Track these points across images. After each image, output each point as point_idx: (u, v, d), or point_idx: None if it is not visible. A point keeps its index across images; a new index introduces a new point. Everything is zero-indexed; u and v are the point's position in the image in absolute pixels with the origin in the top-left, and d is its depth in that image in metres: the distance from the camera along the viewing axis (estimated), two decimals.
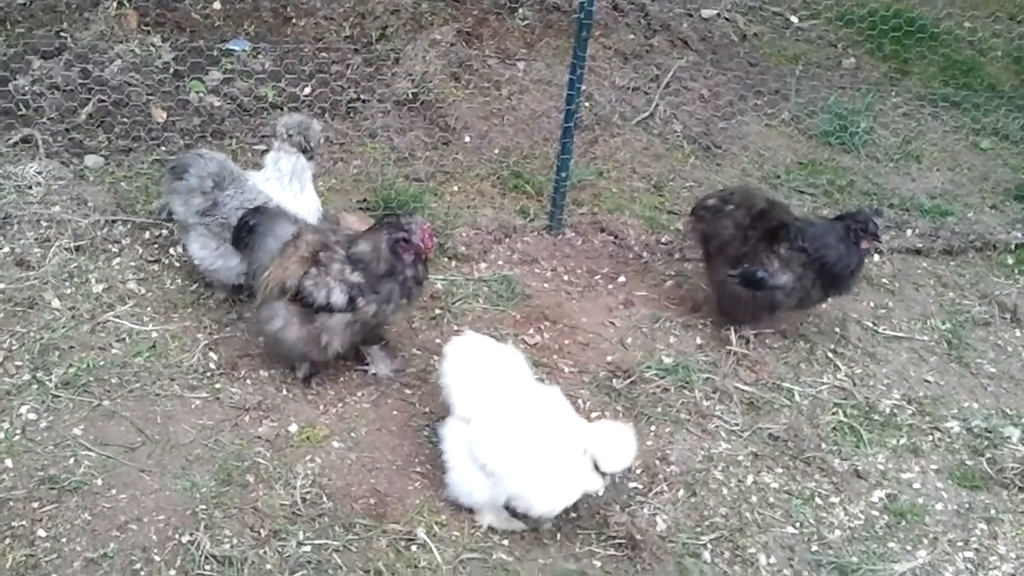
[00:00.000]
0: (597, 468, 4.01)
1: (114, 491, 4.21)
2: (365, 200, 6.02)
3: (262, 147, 6.24)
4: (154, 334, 5.00)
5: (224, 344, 5.00)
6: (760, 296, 5.21)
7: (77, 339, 4.91)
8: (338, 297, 4.56)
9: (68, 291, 5.20)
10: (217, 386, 4.76)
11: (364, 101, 6.82)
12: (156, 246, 5.58)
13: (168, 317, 5.12)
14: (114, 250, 5.51)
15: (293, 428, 4.59)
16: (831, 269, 5.14)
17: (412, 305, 4.88)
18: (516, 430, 4.09)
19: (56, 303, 5.10)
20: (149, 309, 5.16)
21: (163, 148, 6.22)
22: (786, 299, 5.22)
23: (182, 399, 4.68)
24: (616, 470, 4.03)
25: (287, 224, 4.78)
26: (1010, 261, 6.40)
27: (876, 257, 6.25)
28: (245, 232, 4.78)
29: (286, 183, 5.20)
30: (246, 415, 4.63)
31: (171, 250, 5.54)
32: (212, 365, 4.87)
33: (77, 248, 5.46)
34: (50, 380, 4.67)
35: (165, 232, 5.64)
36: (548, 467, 4.03)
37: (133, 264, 5.43)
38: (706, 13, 8.37)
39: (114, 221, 5.66)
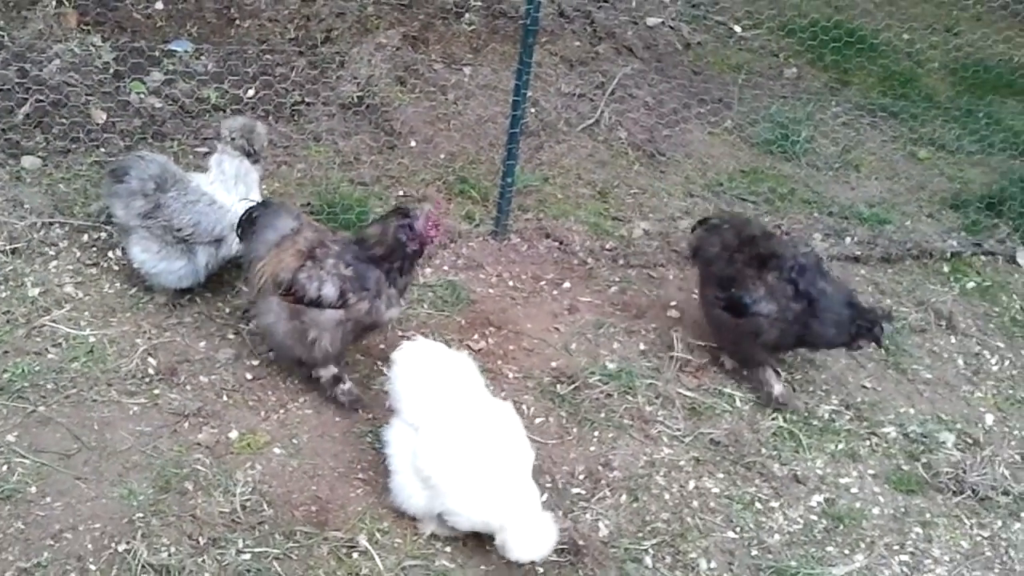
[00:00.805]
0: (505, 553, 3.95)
1: (48, 499, 4.12)
2: (309, 204, 5.96)
3: (204, 149, 6.17)
4: (91, 339, 4.91)
5: (163, 349, 4.92)
6: (742, 323, 5.07)
7: (12, 344, 4.81)
8: (329, 290, 4.53)
9: (3, 295, 5.08)
10: (156, 392, 4.69)
11: (308, 104, 6.76)
12: (94, 249, 5.48)
13: (106, 321, 5.03)
14: (51, 253, 5.40)
15: (233, 435, 4.54)
16: (818, 315, 4.95)
17: (403, 301, 4.80)
18: (461, 444, 4.05)
19: None
20: (87, 313, 5.06)
21: (103, 150, 6.10)
22: (770, 329, 5.02)
23: (120, 405, 4.60)
24: (524, 560, 3.94)
25: (288, 219, 4.76)
26: (946, 269, 6.53)
27: None
28: (247, 224, 4.77)
29: (231, 186, 5.13)
30: (185, 421, 4.57)
31: (110, 253, 5.44)
32: (151, 370, 4.80)
33: (13, 251, 5.33)
34: None
35: (104, 235, 5.54)
36: (486, 486, 3.98)
37: (70, 267, 5.33)
38: (651, 21, 8.43)
39: (51, 223, 5.55)
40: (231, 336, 5.07)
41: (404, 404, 4.22)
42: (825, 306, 4.96)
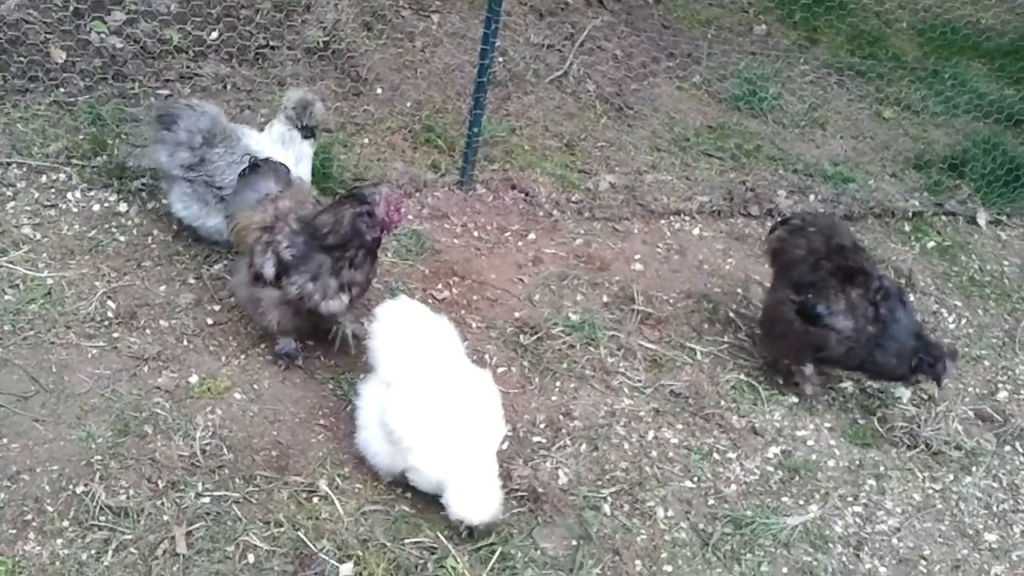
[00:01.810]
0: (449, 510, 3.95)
1: (5, 440, 4.08)
2: None
3: (166, 92, 6.08)
4: (49, 281, 4.84)
5: (123, 292, 4.87)
6: (812, 332, 4.87)
7: None
8: (268, 270, 4.46)
9: None
10: (115, 335, 4.65)
11: (273, 48, 6.65)
12: (53, 191, 5.39)
13: (64, 264, 4.96)
14: (8, 193, 5.31)
15: (193, 379, 4.51)
16: (883, 343, 4.80)
17: (356, 298, 4.58)
18: (430, 406, 4.01)
19: None
20: (44, 255, 4.99)
21: (62, 90, 5.98)
22: (837, 345, 4.83)
23: (78, 348, 4.55)
24: (467, 519, 3.92)
25: (270, 182, 4.66)
26: (907, 228, 6.60)
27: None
28: (239, 180, 4.73)
29: (279, 151, 5.11)
30: (145, 365, 4.53)
31: (68, 195, 5.36)
32: (110, 314, 4.75)
33: None
34: None
35: (63, 176, 5.46)
36: (448, 447, 3.95)
37: (28, 208, 5.24)
38: None
39: (8, 164, 5.45)
40: (192, 281, 5.02)
41: (380, 361, 4.17)
42: (894, 334, 4.79)
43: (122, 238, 5.20)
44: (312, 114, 5.14)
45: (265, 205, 4.59)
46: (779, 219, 5.26)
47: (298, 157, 5.17)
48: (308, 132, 5.18)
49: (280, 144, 5.13)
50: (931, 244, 6.48)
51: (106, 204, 5.41)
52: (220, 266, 5.10)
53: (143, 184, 5.54)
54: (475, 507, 3.90)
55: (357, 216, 4.38)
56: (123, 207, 5.40)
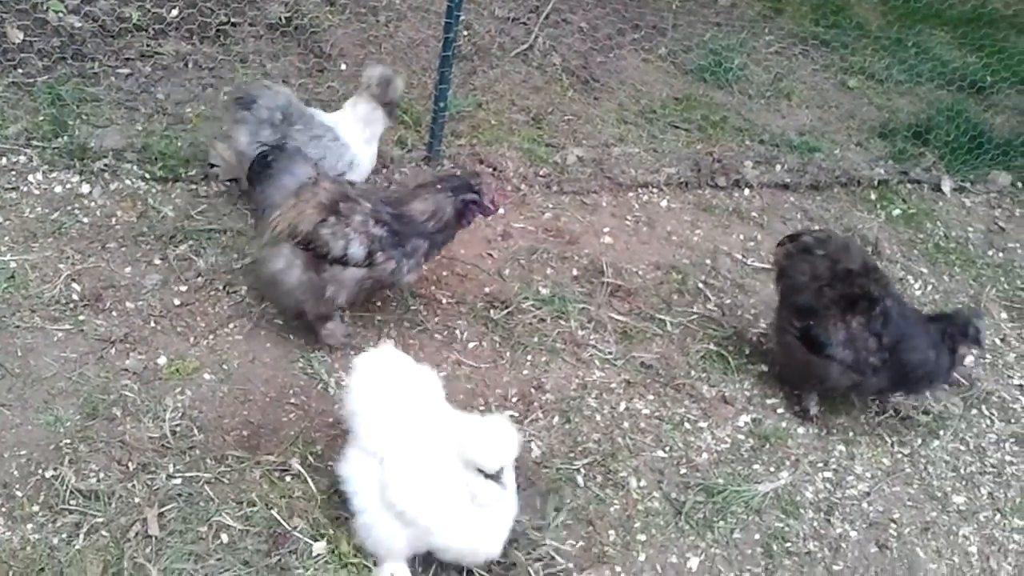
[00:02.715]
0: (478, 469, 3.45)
1: None
2: None
3: (126, 71, 6.00)
4: (12, 264, 4.77)
5: (87, 275, 4.81)
6: (814, 362, 4.68)
7: None
8: (357, 250, 4.39)
9: None
10: (81, 318, 4.59)
11: (235, 24, 6.58)
12: (13, 173, 5.31)
13: (27, 247, 4.89)
14: None
15: (162, 361, 4.47)
16: (908, 371, 4.62)
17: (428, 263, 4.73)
18: (436, 472, 3.53)
19: None
20: (7, 238, 4.91)
21: (20, 70, 5.89)
22: (840, 377, 4.65)
23: (43, 331, 4.50)
24: (495, 467, 3.46)
25: (306, 166, 4.57)
26: (873, 196, 6.64)
27: (746, 191, 6.42)
28: (260, 167, 4.54)
29: (358, 129, 5.16)
30: (112, 348, 4.49)
31: (30, 177, 5.29)
32: (75, 296, 4.69)
33: None
34: None
35: (23, 159, 5.38)
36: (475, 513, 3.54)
37: None
38: None
39: None
40: (157, 262, 4.97)
41: (363, 428, 3.64)
42: (909, 353, 4.59)
43: (85, 220, 5.14)
44: (393, 89, 5.19)
45: (312, 189, 4.45)
46: (788, 234, 5.00)
47: (373, 135, 5.23)
48: (389, 108, 5.21)
49: (362, 123, 5.16)
50: (896, 212, 6.53)
51: (68, 186, 5.34)
52: (185, 246, 5.06)
53: (105, 165, 5.47)
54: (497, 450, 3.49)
55: (465, 204, 4.48)
56: (86, 188, 5.33)
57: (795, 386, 4.91)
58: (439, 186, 4.55)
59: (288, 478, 4.04)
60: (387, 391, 3.64)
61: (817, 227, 6.14)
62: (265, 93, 5.02)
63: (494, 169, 6.03)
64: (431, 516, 3.51)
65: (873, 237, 6.15)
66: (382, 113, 5.20)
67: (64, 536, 3.69)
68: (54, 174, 5.37)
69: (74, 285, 4.75)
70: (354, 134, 5.16)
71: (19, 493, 3.82)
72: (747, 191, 6.40)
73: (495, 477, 3.44)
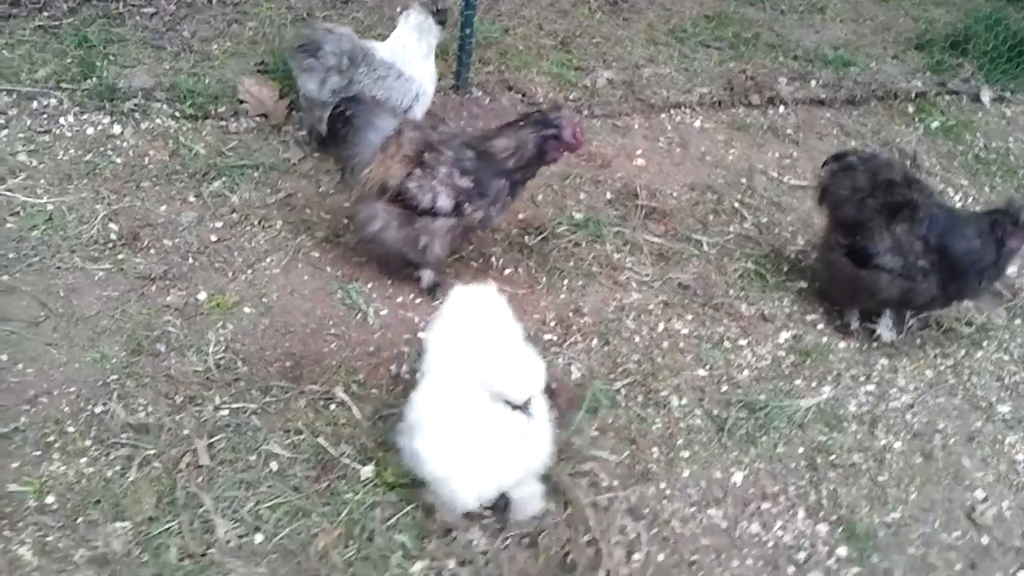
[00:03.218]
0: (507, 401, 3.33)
1: (20, 366, 4.09)
2: (263, 63, 5.82)
3: (151, 10, 5.97)
4: (49, 206, 4.81)
5: (124, 214, 4.84)
6: (863, 275, 4.63)
7: None
8: (444, 202, 4.39)
9: None
10: (120, 257, 4.63)
11: None
12: (45, 116, 5.33)
13: (63, 189, 4.92)
14: (0, 122, 5.25)
15: (202, 296, 4.51)
16: (955, 263, 4.49)
17: (512, 203, 4.64)
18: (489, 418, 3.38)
19: None
20: (42, 181, 4.95)
21: (46, 13, 5.88)
22: (890, 286, 4.58)
23: (84, 271, 4.54)
24: (522, 397, 3.32)
25: (388, 117, 4.55)
26: (910, 109, 6.53)
27: (781, 109, 6.32)
28: (341, 123, 4.52)
29: (414, 43, 5.12)
30: (152, 285, 4.52)
31: (61, 120, 5.31)
32: (113, 236, 4.72)
33: None
34: None
35: (53, 101, 5.39)
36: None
37: (22, 136, 5.19)
38: None
39: None
40: (192, 199, 4.99)
41: (436, 358, 3.61)
42: (959, 252, 4.48)
43: (118, 160, 5.16)
44: None
45: (396, 142, 4.43)
46: (831, 155, 4.98)
47: (429, 48, 5.20)
48: (441, 18, 5.18)
49: (417, 33, 5.12)
50: (935, 124, 6.41)
51: (99, 127, 5.35)
52: (219, 183, 5.07)
53: (135, 105, 5.48)
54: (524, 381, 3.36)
55: (544, 140, 4.39)
56: (117, 129, 5.34)
57: (845, 305, 4.84)
58: (521, 123, 4.50)
59: (332, 406, 4.08)
60: (469, 325, 3.59)
61: (854, 144, 6.06)
62: (329, 38, 4.97)
63: (524, 95, 5.98)
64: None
65: (912, 150, 6.05)
66: (434, 22, 5.14)
67: (117, 468, 3.75)
68: (85, 116, 5.39)
69: (111, 225, 4.78)
70: (412, 55, 5.10)
71: (71, 429, 3.88)
72: (782, 108, 6.31)
73: (523, 408, 3.43)
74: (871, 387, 4.56)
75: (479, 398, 3.37)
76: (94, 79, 5.54)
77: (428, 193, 4.39)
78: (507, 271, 4.86)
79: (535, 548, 3.68)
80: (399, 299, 4.65)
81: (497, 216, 4.57)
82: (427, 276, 4.66)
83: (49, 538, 3.50)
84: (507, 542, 3.66)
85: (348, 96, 4.70)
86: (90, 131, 5.30)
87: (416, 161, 4.41)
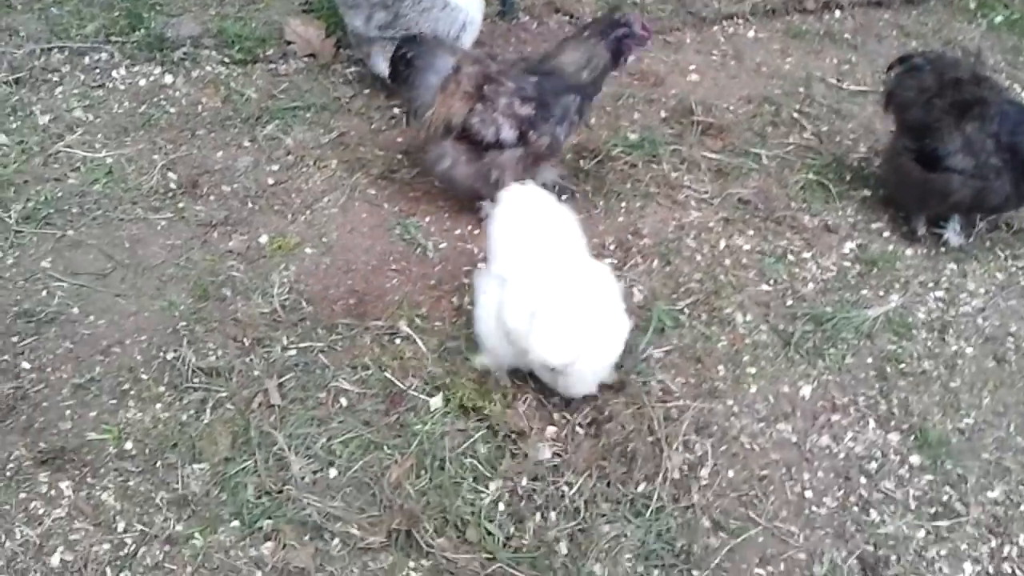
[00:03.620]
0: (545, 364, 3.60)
1: (92, 317, 4.20)
2: (308, 2, 5.79)
3: None
4: (108, 160, 4.88)
5: (181, 163, 4.89)
6: (933, 179, 4.50)
7: (30, 173, 4.80)
8: (508, 133, 4.40)
9: (13, 126, 5.05)
10: (180, 205, 4.70)
11: None
12: (97, 71, 5.39)
13: (120, 142, 4.99)
14: (54, 79, 5.33)
15: (263, 239, 4.56)
16: None
17: (584, 123, 4.70)
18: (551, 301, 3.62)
19: (3, 139, 4.96)
20: (100, 135, 5.02)
21: None
22: (962, 187, 4.42)
23: (147, 221, 4.62)
24: (560, 363, 3.57)
25: (446, 56, 4.55)
26: (972, 5, 6.28)
27: (837, 13, 6.13)
28: (403, 66, 4.56)
29: None
30: (214, 231, 4.59)
31: (114, 73, 5.37)
32: (172, 185, 4.79)
33: (16, 81, 5.28)
34: (9, 217, 4.58)
35: (104, 56, 5.45)
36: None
37: (76, 92, 5.26)
38: None
39: (50, 49, 5.45)
40: (247, 144, 5.03)
41: (498, 254, 3.85)
42: None
43: (172, 110, 5.20)
44: None
45: (455, 79, 4.44)
46: (896, 58, 4.85)
47: None
48: None
49: None
50: (999, 19, 6.16)
51: (151, 78, 5.40)
52: (272, 126, 5.09)
53: (184, 54, 5.52)
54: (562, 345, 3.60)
55: (618, 40, 4.37)
56: (168, 79, 5.39)
57: (913, 211, 4.72)
58: (585, 34, 4.44)
59: (398, 341, 4.12)
60: (523, 222, 3.85)
61: (915, 45, 5.87)
62: None
63: (571, 17, 5.88)
64: (531, 339, 3.58)
65: (976, 47, 5.83)
66: None
67: (192, 412, 3.85)
68: (136, 68, 5.44)
69: (170, 174, 4.84)
70: None
71: (144, 376, 3.98)
72: (838, 12, 6.12)
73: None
74: (940, 293, 4.47)
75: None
76: (142, 30, 5.57)
77: (491, 126, 4.38)
78: (563, 197, 4.82)
79: (599, 437, 3.77)
80: (457, 232, 4.66)
81: (565, 139, 4.55)
82: (488, 208, 4.63)
83: (130, 482, 3.63)
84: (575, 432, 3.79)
85: (408, 36, 4.70)
86: (142, 83, 5.35)
87: (477, 96, 4.40)
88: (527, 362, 3.74)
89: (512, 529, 3.53)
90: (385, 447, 3.73)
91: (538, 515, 3.57)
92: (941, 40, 5.95)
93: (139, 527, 3.51)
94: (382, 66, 5.09)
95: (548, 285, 3.64)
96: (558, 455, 3.72)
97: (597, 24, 4.45)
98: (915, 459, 3.81)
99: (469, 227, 4.67)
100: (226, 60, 5.51)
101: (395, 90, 5.22)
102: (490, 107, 4.39)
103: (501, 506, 3.59)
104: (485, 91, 4.40)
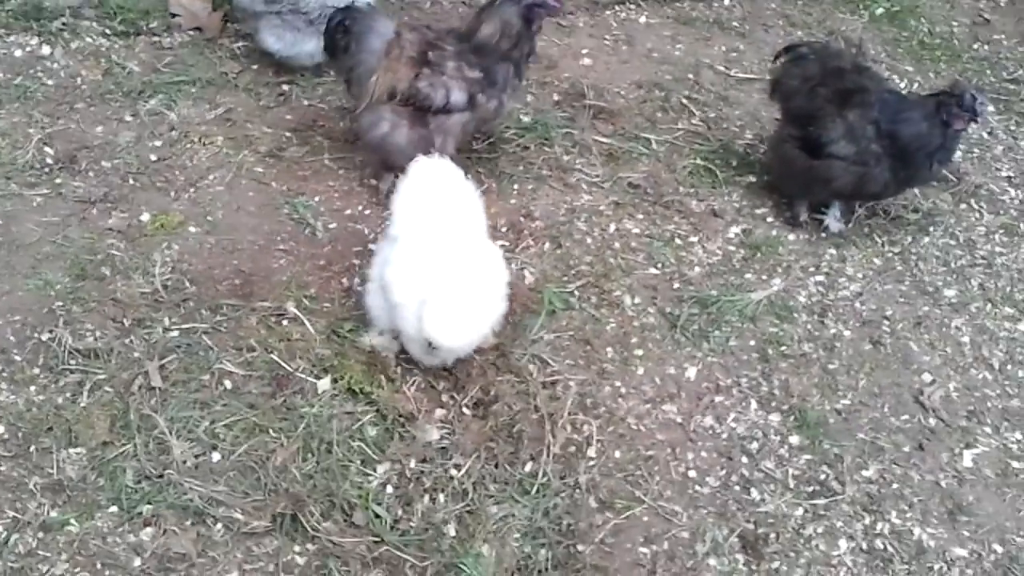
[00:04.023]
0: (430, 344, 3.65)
1: None
2: None
3: None
4: None
5: (59, 137, 4.72)
6: (816, 165, 4.60)
7: None
8: (458, 96, 4.36)
9: None
10: (58, 181, 4.53)
11: None
12: None
13: None
14: None
15: (145, 217, 4.43)
16: (904, 147, 4.46)
17: (522, 86, 4.69)
18: (431, 262, 3.70)
19: None
20: None
21: None
22: (844, 174, 4.54)
23: (21, 197, 4.44)
24: (452, 345, 3.69)
25: (385, 21, 4.48)
26: None
27: (726, 1, 6.24)
28: (340, 34, 4.43)
29: None
30: (93, 208, 4.44)
31: None
32: (49, 160, 4.61)
33: None
34: None
35: None
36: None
37: None
38: None
39: None
40: (128, 118, 4.87)
41: (399, 219, 3.88)
42: (908, 135, 4.46)
43: (50, 82, 5.01)
44: None
45: (398, 44, 4.38)
46: (783, 47, 4.98)
47: None
48: None
49: None
50: (880, 10, 6.36)
51: (28, 48, 5.20)
52: (155, 101, 4.95)
53: (63, 24, 5.33)
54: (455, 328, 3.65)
55: (528, 9, 4.36)
56: (46, 50, 5.19)
57: (798, 197, 4.83)
58: (496, 1, 4.43)
59: (285, 322, 4.05)
60: (429, 194, 3.86)
61: (800, 34, 6.02)
62: None
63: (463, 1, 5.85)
64: (404, 299, 3.65)
65: (857, 38, 6.01)
66: None
67: (68, 395, 3.72)
68: (12, 37, 5.23)
69: (47, 149, 4.66)
70: None
71: (18, 357, 3.83)
72: (727, 1, 6.23)
73: None
74: (820, 277, 4.60)
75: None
76: None
77: (440, 90, 4.36)
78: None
79: (487, 419, 3.79)
80: (348, 212, 4.60)
81: (508, 103, 4.57)
82: (387, 181, 4.57)
83: (2, 467, 3.50)
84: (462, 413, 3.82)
85: (342, 6, 4.63)
86: (18, 53, 5.15)
87: (422, 61, 4.36)
88: (404, 330, 3.77)
89: (400, 512, 3.52)
90: (271, 430, 3.67)
91: (426, 497, 3.57)
92: (825, 30, 6.11)
93: (11, 513, 3.38)
94: (270, 41, 5.01)
95: (443, 264, 3.66)
96: (446, 437, 3.73)
97: None
98: (794, 439, 3.93)
99: (360, 207, 4.62)
100: (107, 32, 5.32)
101: (283, 65, 5.17)
102: (438, 71, 4.36)
103: (389, 489, 3.58)
104: (430, 56, 4.37)
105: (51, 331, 3.90)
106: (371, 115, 4.43)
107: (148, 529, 3.38)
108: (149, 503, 3.43)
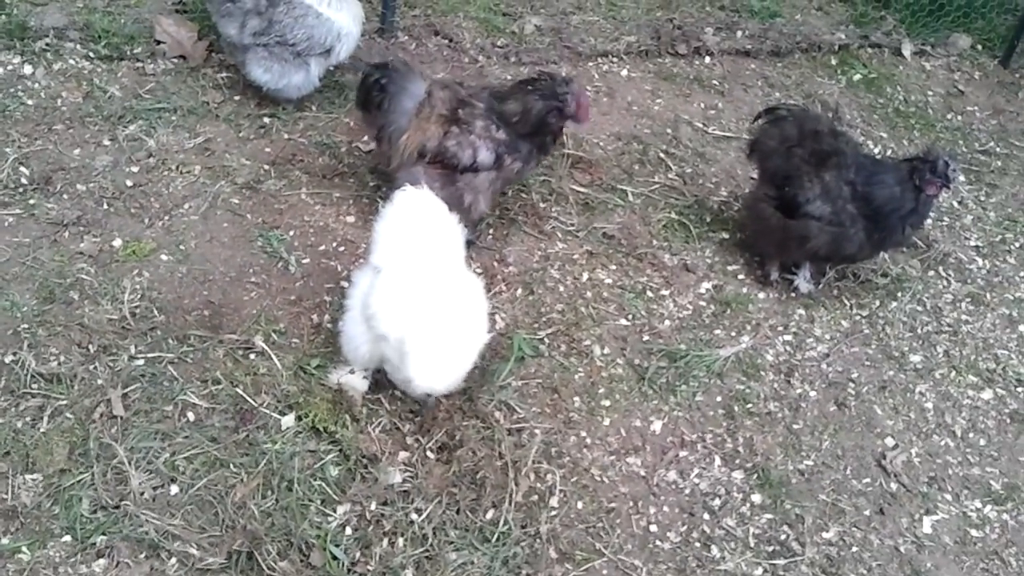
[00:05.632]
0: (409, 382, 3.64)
1: None
2: (181, 2, 5.64)
3: None
4: None
5: (35, 158, 4.69)
6: (792, 225, 4.66)
7: None
8: (485, 156, 4.38)
9: None
10: (31, 202, 4.49)
11: None
12: None
13: None
14: None
15: (117, 243, 4.40)
16: (877, 209, 4.53)
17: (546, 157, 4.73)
18: (416, 296, 3.67)
19: None
20: None
21: None
22: (819, 234, 4.60)
23: None
24: (429, 388, 3.67)
25: (418, 80, 4.52)
26: (833, 62, 6.58)
27: (707, 59, 6.33)
28: (376, 91, 4.48)
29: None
30: (65, 231, 4.40)
31: None
32: (24, 180, 4.58)
33: None
34: None
35: None
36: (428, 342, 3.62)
37: None
38: None
39: None
40: (107, 143, 4.85)
41: (379, 247, 3.84)
42: (881, 199, 4.53)
43: (30, 102, 4.99)
44: None
45: (428, 103, 4.43)
46: (763, 109, 5.11)
47: None
48: None
49: None
50: (857, 77, 6.48)
51: (9, 67, 5.17)
52: (135, 126, 4.93)
53: (47, 44, 5.30)
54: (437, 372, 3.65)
55: (548, 111, 4.38)
56: (28, 69, 5.16)
57: (773, 256, 4.88)
58: (530, 87, 4.46)
59: (252, 356, 4.03)
60: (409, 221, 3.84)
61: (778, 95, 6.11)
62: None
63: (450, 41, 5.90)
64: (393, 329, 3.61)
65: (834, 103, 6.12)
66: None
67: (28, 419, 3.67)
68: None
69: (22, 169, 4.63)
70: (328, 5, 5.00)
71: None
72: (708, 59, 6.32)
73: None
74: (788, 337, 4.64)
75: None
76: (3, 16, 5.32)
77: (468, 149, 4.39)
78: None
79: (450, 464, 3.77)
80: (322, 248, 4.59)
81: (530, 168, 4.61)
82: (471, 232, 4.61)
83: None
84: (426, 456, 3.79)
85: (377, 63, 4.68)
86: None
87: (451, 119, 4.40)
88: (379, 356, 3.75)
89: (358, 554, 3.48)
90: (231, 465, 3.63)
91: (385, 541, 3.54)
92: (803, 93, 6.21)
93: None
94: (257, 73, 5.02)
95: (428, 299, 3.64)
96: (409, 480, 3.70)
97: (541, 85, 4.44)
98: (756, 497, 3.94)
99: (334, 244, 4.61)
100: (91, 55, 5.31)
101: (266, 98, 5.17)
102: (466, 130, 4.39)
103: (348, 530, 3.54)
104: (460, 114, 4.40)
105: (15, 353, 3.85)
106: (406, 175, 4.44)
107: (101, 560, 3.33)
108: (104, 534, 3.38)
